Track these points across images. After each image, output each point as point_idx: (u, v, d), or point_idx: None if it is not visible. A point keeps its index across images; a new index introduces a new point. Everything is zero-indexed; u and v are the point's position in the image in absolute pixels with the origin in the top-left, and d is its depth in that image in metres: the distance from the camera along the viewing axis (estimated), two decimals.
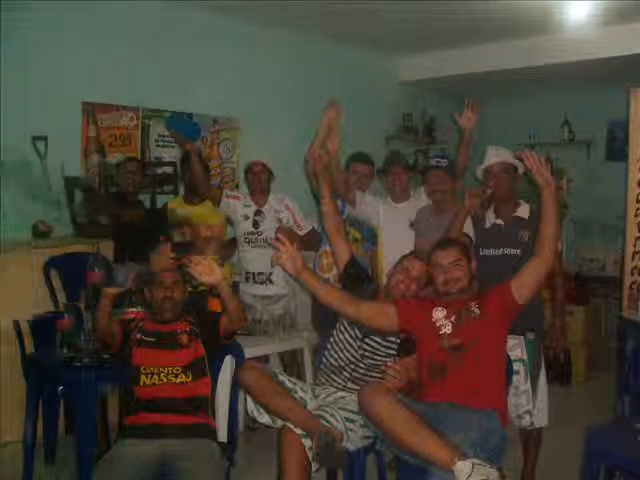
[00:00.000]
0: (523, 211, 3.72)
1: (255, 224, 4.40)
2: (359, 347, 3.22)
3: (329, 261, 4.26)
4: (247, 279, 4.49)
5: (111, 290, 2.98)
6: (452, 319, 2.94)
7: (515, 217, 3.72)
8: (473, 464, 2.44)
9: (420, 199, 4.12)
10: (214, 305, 3.65)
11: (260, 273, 4.45)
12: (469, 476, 2.41)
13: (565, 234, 6.80)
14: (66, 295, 4.05)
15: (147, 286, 3.17)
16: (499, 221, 3.75)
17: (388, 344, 3.19)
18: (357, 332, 3.23)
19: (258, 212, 4.41)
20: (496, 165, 3.76)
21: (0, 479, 3.75)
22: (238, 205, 4.44)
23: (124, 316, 3.29)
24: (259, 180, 4.41)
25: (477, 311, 2.93)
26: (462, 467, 2.43)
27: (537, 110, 7.44)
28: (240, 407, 3.46)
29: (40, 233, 4.49)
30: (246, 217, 4.41)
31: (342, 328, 3.31)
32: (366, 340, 3.21)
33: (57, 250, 4.23)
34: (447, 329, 2.93)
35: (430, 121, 7.56)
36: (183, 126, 4.57)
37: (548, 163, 6.86)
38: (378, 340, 3.20)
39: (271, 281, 4.45)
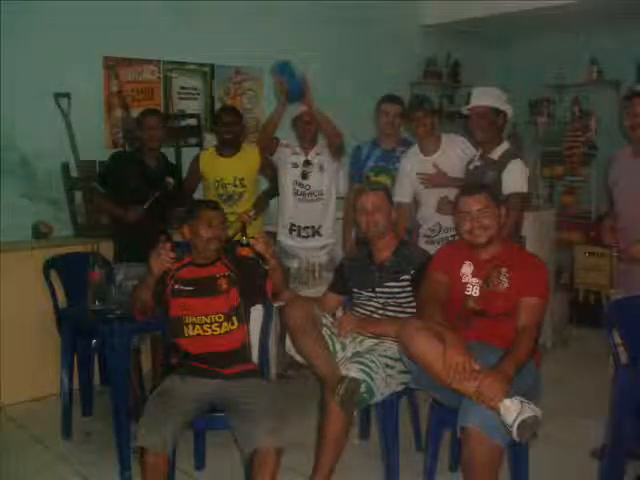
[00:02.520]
0: (497, 151, 3.74)
1: (304, 175, 4.39)
2: (376, 299, 3.27)
3: None
4: (290, 232, 4.48)
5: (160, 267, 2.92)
6: (480, 281, 2.87)
7: (487, 158, 3.76)
8: (521, 401, 2.42)
9: (451, 149, 4.05)
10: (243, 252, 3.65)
11: (307, 227, 4.46)
12: (519, 413, 2.38)
13: (594, 174, 6.74)
14: (66, 295, 4.06)
15: (190, 224, 3.04)
16: (477, 162, 3.82)
17: (402, 283, 3.21)
18: (369, 291, 3.30)
19: (307, 162, 4.39)
20: (475, 109, 3.77)
21: (41, 430, 3.84)
22: (288, 152, 4.42)
23: None
24: (309, 130, 4.37)
25: (506, 282, 2.82)
26: (509, 404, 2.40)
27: (565, 51, 7.25)
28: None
29: (40, 233, 4.51)
30: (295, 165, 4.39)
31: (356, 291, 3.38)
32: (378, 290, 3.26)
33: (57, 250, 4.22)
34: (474, 291, 2.88)
35: (455, 64, 7.41)
36: (292, 78, 4.23)
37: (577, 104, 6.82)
38: (390, 284, 3.23)
39: (320, 234, 4.47)
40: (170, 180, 4.14)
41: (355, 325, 3.18)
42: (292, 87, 4.21)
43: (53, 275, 4.07)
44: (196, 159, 4.50)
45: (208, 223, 3.01)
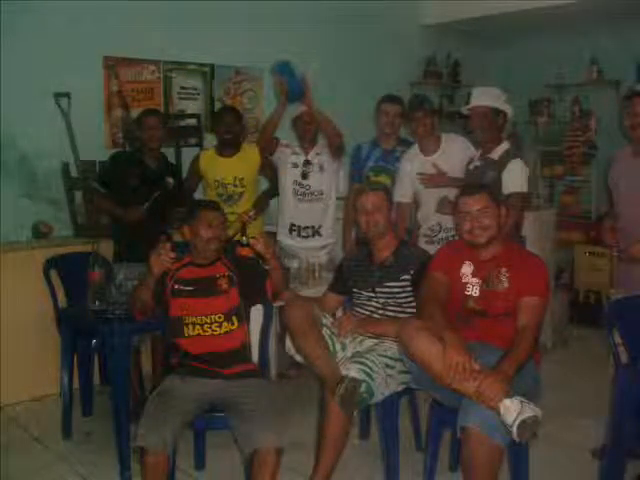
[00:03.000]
0: (497, 151, 3.74)
1: (304, 175, 4.39)
2: (376, 299, 3.27)
3: None
4: (290, 231, 4.49)
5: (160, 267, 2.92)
6: (480, 281, 2.87)
7: (487, 158, 3.76)
8: (521, 401, 2.42)
9: (451, 149, 4.05)
10: (243, 252, 3.65)
11: (307, 227, 4.46)
12: (519, 413, 2.38)
13: (594, 174, 6.76)
14: (66, 295, 4.05)
15: (190, 224, 3.05)
16: (477, 162, 3.82)
17: (402, 283, 3.21)
18: (369, 291, 3.30)
19: (307, 162, 4.39)
20: (475, 109, 3.77)
21: (41, 430, 3.84)
22: (288, 152, 4.42)
23: None
24: (309, 130, 4.38)
25: (506, 282, 2.82)
26: (509, 404, 2.40)
27: (565, 51, 7.26)
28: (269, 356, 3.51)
29: (40, 233, 4.50)
30: (295, 165, 4.40)
31: (356, 291, 3.37)
32: (378, 290, 3.26)
33: (57, 250, 4.23)
34: (474, 291, 2.88)
35: (455, 64, 7.41)
36: (292, 78, 4.24)
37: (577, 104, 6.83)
38: (390, 285, 3.23)
39: (320, 234, 4.48)
40: (170, 180, 4.13)
41: (355, 325, 3.18)
42: (292, 87, 4.21)
43: (53, 275, 4.07)
44: (196, 159, 4.49)
45: (208, 223, 3.01)
